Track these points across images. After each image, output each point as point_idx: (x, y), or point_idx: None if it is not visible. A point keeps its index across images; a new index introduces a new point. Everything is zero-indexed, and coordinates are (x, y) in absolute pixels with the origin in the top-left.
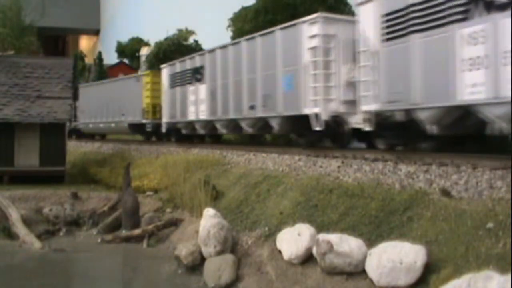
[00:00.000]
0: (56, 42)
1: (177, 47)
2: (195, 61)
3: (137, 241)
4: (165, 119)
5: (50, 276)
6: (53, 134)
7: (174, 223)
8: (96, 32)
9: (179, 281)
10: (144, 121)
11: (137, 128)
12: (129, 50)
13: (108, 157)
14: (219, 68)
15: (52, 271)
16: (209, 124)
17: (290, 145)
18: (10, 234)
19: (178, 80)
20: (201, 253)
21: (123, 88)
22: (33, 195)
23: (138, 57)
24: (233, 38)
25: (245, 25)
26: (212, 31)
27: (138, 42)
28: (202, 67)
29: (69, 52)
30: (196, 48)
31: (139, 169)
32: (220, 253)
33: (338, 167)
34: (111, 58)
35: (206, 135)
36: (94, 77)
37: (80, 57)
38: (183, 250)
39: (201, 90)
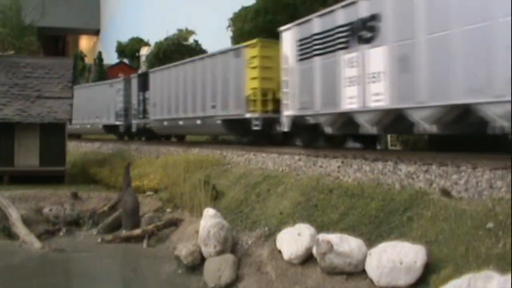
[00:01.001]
0: (56, 42)
1: (177, 47)
2: (358, 9)
3: (137, 241)
4: (290, 110)
5: (50, 276)
6: (53, 134)
7: (174, 223)
8: (96, 32)
9: (179, 281)
10: (248, 115)
11: (237, 126)
12: (129, 50)
13: (108, 157)
14: (416, 12)
15: (52, 271)
16: (392, 116)
17: (290, 146)
18: (10, 234)
19: (318, 47)
20: (201, 253)
21: (217, 66)
22: (33, 195)
23: (138, 57)
24: (233, 38)
25: (245, 25)
26: (212, 31)
27: (138, 42)
28: (375, 18)
29: (69, 52)
30: (196, 48)
31: (139, 169)
32: (220, 253)
33: (338, 167)
34: (111, 58)
35: (382, 135)
36: (94, 77)
37: (80, 57)
38: (183, 250)
39: (374, 57)
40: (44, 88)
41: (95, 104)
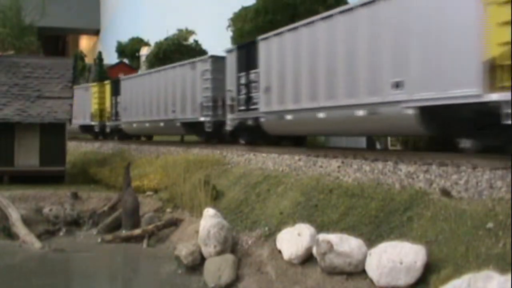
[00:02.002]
0: (56, 42)
1: (177, 47)
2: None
3: (137, 241)
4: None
5: (50, 276)
6: (53, 134)
7: (174, 223)
8: (96, 32)
9: (179, 281)
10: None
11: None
12: (129, 50)
13: (108, 157)
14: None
15: (52, 271)
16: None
17: (290, 146)
18: (10, 234)
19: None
20: (201, 253)
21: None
22: (33, 195)
23: (138, 57)
24: (233, 38)
25: (245, 25)
26: (212, 31)
27: (138, 42)
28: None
29: (69, 52)
30: (196, 48)
31: (139, 169)
32: (220, 253)
33: (338, 167)
34: (111, 58)
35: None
36: (94, 77)
37: (80, 57)
38: (183, 250)
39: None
40: (44, 88)
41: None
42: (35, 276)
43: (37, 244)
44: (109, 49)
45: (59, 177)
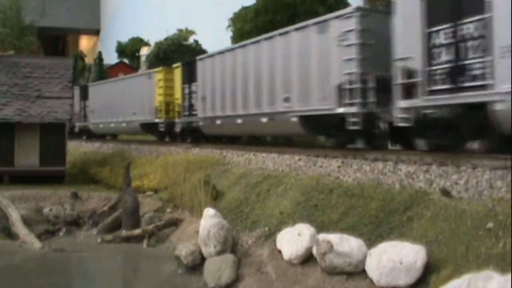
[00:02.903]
0: (56, 42)
1: (177, 47)
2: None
3: (137, 241)
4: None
5: (50, 276)
6: (53, 134)
7: (174, 223)
8: (96, 32)
9: (179, 281)
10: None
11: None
12: (129, 50)
13: (108, 157)
14: None
15: (52, 271)
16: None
17: (290, 145)
18: (10, 234)
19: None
20: (201, 253)
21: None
22: (33, 195)
23: (138, 57)
24: (233, 38)
25: (245, 25)
26: (212, 31)
27: (138, 42)
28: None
29: (69, 52)
30: (196, 48)
31: (139, 169)
32: (220, 253)
33: (338, 167)
34: (111, 58)
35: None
36: (94, 77)
37: (80, 57)
38: (183, 250)
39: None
40: (44, 88)
41: None
42: (35, 276)
43: (37, 244)
44: (109, 49)
45: (59, 177)
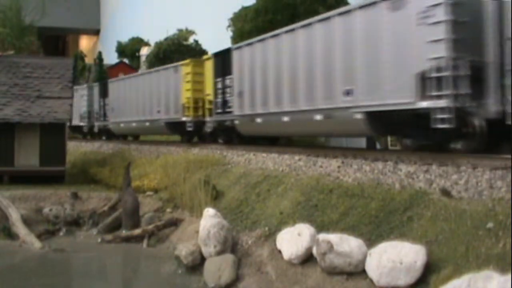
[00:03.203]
0: (56, 42)
1: (177, 47)
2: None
3: (137, 241)
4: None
5: (50, 276)
6: (53, 134)
7: (174, 223)
8: (96, 32)
9: (179, 281)
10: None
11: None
12: (129, 50)
13: (108, 157)
14: None
15: (52, 271)
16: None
17: (290, 145)
18: (10, 234)
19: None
20: (201, 253)
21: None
22: (33, 195)
23: (138, 57)
24: (233, 38)
25: (245, 25)
26: (212, 31)
27: (138, 42)
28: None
29: (69, 52)
30: (196, 48)
31: (139, 169)
32: (220, 253)
33: (338, 167)
34: (111, 58)
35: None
36: (94, 77)
37: (80, 57)
38: (183, 250)
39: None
40: (44, 88)
41: None
42: (35, 276)
43: (37, 244)
44: (109, 49)
45: (59, 177)
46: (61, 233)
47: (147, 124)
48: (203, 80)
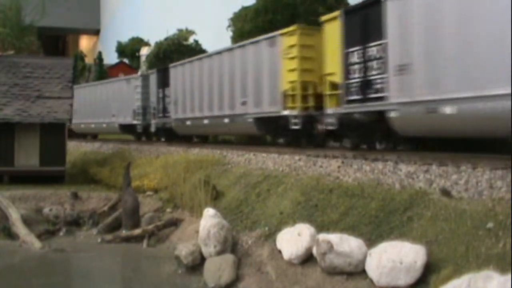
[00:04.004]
0: (56, 42)
1: (177, 47)
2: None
3: (137, 241)
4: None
5: (50, 276)
6: (53, 134)
7: (174, 223)
8: (96, 32)
9: (179, 281)
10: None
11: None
12: (129, 50)
13: (108, 157)
14: None
15: (52, 271)
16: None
17: (290, 145)
18: (10, 234)
19: None
20: (201, 253)
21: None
22: (33, 195)
23: (138, 57)
24: (233, 38)
25: (245, 25)
26: (212, 31)
27: (138, 42)
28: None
29: (69, 52)
30: (196, 48)
31: (139, 169)
32: (220, 253)
33: (338, 167)
34: (111, 58)
35: None
36: (94, 77)
37: (80, 57)
38: (183, 250)
39: None
40: (44, 88)
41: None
42: (35, 276)
43: (37, 244)
44: (109, 49)
45: (59, 177)
46: (61, 233)
47: (226, 120)
48: (314, 55)
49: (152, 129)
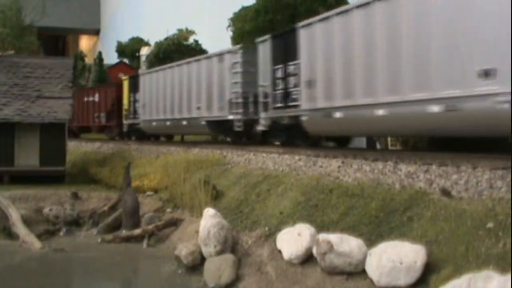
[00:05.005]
0: (56, 42)
1: (177, 47)
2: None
3: (137, 241)
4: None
5: (50, 276)
6: (53, 134)
7: (174, 223)
8: (96, 32)
9: (179, 281)
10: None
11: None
12: (129, 50)
13: (108, 157)
14: None
15: (52, 271)
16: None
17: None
18: (10, 234)
19: None
20: (201, 253)
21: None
22: (33, 195)
23: (138, 57)
24: (233, 38)
25: (245, 25)
26: (212, 31)
27: (138, 42)
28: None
29: (69, 52)
30: (196, 48)
31: (139, 169)
32: (220, 253)
33: (338, 167)
34: (111, 58)
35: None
36: (94, 77)
37: (80, 57)
38: (183, 250)
39: None
40: (44, 88)
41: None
42: (35, 276)
43: (37, 244)
44: (109, 49)
45: (59, 177)
46: (61, 233)
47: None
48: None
49: (261, 126)
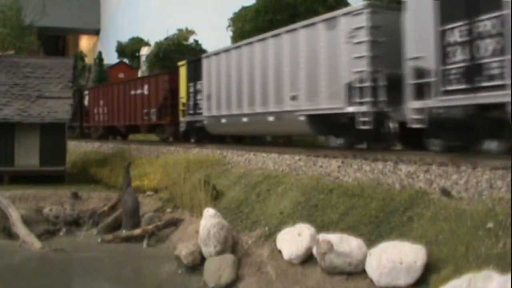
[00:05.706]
0: (56, 42)
1: (177, 47)
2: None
3: (137, 241)
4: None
5: (50, 276)
6: (53, 134)
7: (174, 223)
8: (96, 32)
9: (179, 281)
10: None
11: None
12: (129, 50)
13: (108, 157)
14: None
15: (52, 271)
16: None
17: (290, 145)
18: (10, 234)
19: None
20: (201, 253)
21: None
22: (33, 195)
23: (138, 57)
24: (233, 38)
25: (245, 25)
26: (212, 31)
27: (138, 42)
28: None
29: (69, 52)
30: (196, 48)
31: (139, 169)
32: (220, 253)
33: (338, 167)
34: (111, 58)
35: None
36: (94, 77)
37: (80, 57)
38: (183, 250)
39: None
40: (44, 88)
41: None
42: (35, 276)
43: (37, 244)
44: (109, 49)
45: (59, 177)
46: (61, 233)
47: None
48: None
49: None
